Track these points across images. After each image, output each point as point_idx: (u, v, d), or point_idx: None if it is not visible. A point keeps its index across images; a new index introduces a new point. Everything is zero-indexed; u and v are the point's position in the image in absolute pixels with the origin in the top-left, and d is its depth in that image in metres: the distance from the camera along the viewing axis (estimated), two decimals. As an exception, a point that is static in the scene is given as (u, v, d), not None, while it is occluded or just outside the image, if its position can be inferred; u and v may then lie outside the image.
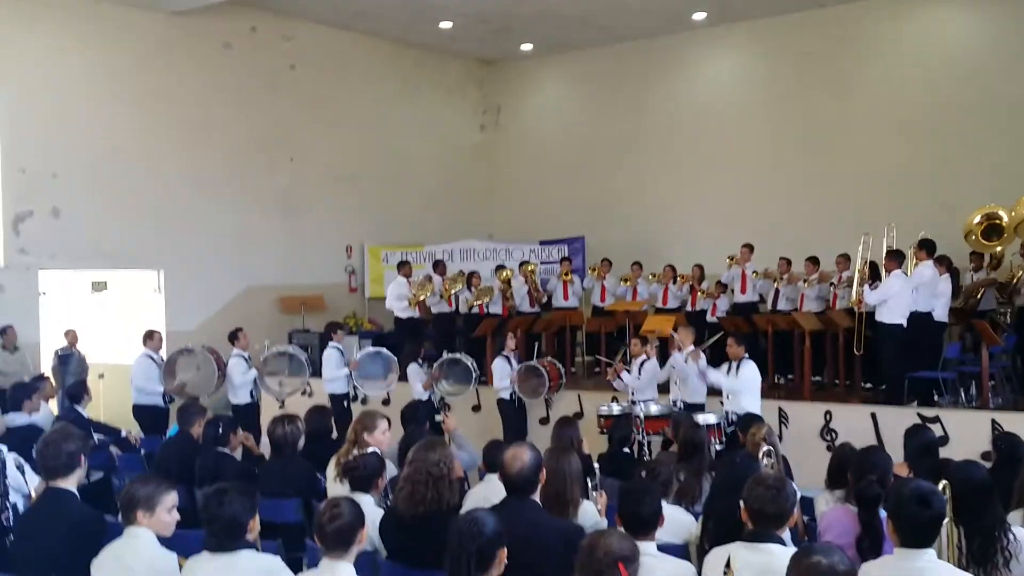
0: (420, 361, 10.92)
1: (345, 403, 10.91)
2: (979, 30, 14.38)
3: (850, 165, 14.88)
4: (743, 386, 8.79)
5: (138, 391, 10.47)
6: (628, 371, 9.86)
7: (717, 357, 9.74)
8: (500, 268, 14.31)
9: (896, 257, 10.25)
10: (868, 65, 15.05)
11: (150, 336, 10.95)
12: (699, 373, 9.27)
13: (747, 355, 9.03)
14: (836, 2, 14.94)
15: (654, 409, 9.41)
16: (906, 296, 10.09)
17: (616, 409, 9.72)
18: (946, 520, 3.80)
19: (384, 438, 6.17)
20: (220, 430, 6.64)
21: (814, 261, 12.45)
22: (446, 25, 16.22)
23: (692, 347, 9.44)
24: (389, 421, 6.48)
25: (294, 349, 11.42)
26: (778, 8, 15.26)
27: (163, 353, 10.92)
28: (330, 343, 11.29)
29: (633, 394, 9.76)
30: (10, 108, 12.49)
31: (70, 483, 4.45)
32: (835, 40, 15.20)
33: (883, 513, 4.02)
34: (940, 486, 3.92)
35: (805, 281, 12.31)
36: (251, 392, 10.71)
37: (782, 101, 15.76)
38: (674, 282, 13.65)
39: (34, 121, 12.67)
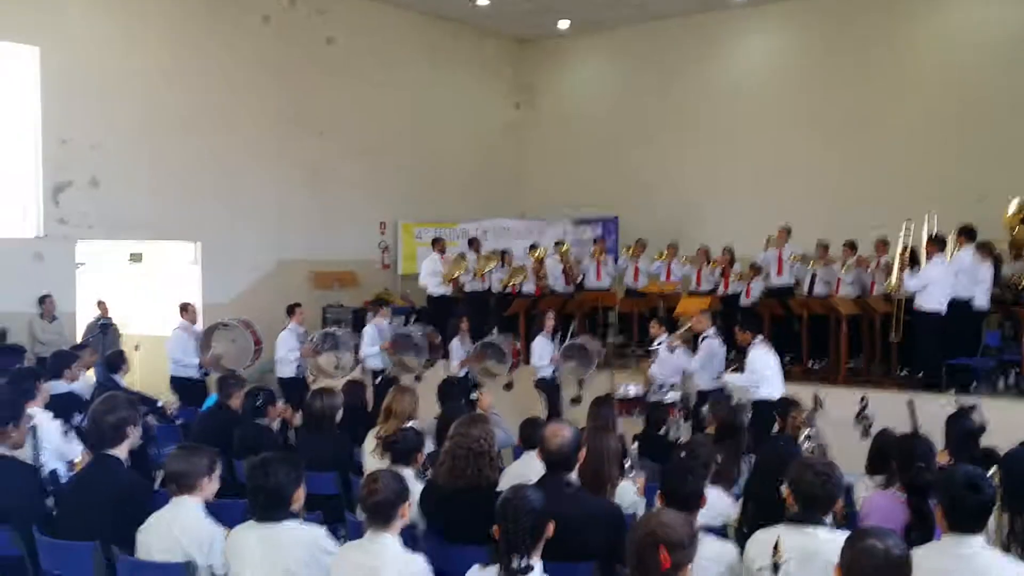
0: (462, 337, 10.97)
1: (379, 379, 10.94)
2: (1017, 16, 14.11)
3: (890, 149, 14.71)
4: (751, 376, 8.62)
5: (175, 363, 10.59)
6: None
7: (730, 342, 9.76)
8: (533, 247, 14.27)
9: (937, 243, 10.12)
10: (907, 49, 14.86)
11: (185, 309, 11.06)
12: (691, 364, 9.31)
13: (757, 339, 8.74)
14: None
15: (669, 396, 9.38)
16: (947, 282, 9.98)
17: (632, 392, 9.69)
18: (995, 506, 3.75)
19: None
20: (259, 402, 6.68)
21: (852, 246, 12.32)
22: (483, 2, 16.14)
23: (666, 336, 9.51)
24: (415, 396, 6.55)
25: (339, 329, 11.46)
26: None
27: (199, 326, 10.98)
28: (373, 320, 11.32)
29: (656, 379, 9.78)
30: (51, 78, 12.58)
31: (119, 452, 4.48)
32: (873, 24, 15.02)
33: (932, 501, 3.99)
34: (989, 472, 3.87)
35: (843, 265, 12.18)
36: (297, 367, 10.76)
37: (821, 83, 15.57)
38: (707, 264, 13.55)
39: (74, 92, 12.74)
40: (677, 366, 9.52)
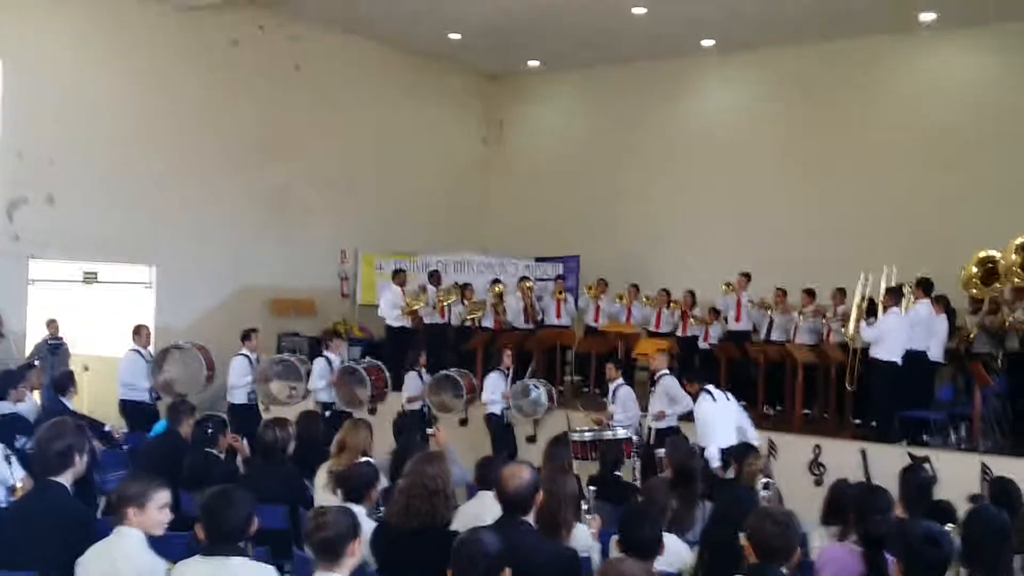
0: (420, 370, 10.86)
1: (328, 412, 10.74)
2: (984, 68, 14.45)
3: (852, 198, 14.92)
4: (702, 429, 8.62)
5: (125, 386, 10.39)
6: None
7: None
8: (495, 282, 14.25)
9: (894, 294, 10.24)
10: (873, 100, 15.11)
11: (138, 331, 10.87)
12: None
13: (703, 390, 8.80)
14: (843, 36, 14.99)
15: (621, 433, 9.36)
16: (902, 334, 10.08)
17: (588, 435, 9.66)
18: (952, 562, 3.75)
19: None
20: (209, 430, 6.54)
21: (810, 293, 12.47)
22: (455, 36, 16.22)
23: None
24: (370, 429, 6.45)
25: (295, 357, 11.29)
26: (786, 39, 15.32)
27: (151, 349, 10.79)
28: (325, 351, 11.19)
29: (612, 418, 9.79)
30: (12, 92, 12.37)
31: (64, 479, 4.33)
32: (841, 74, 15.27)
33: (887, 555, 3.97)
34: (946, 526, 3.87)
35: (800, 313, 12.29)
36: (248, 394, 10.59)
37: (786, 131, 15.79)
38: (668, 306, 13.61)
39: (34, 106, 12.54)
40: (637, 413, 9.53)
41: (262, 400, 10.69)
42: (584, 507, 5.35)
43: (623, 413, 9.86)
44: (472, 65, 18.34)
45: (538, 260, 16.58)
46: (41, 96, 12.61)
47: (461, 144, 18.85)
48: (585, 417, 10.22)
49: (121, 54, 13.47)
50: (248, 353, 10.77)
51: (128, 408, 10.35)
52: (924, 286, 10.48)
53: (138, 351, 10.63)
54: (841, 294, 12.06)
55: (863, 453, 9.78)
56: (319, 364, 10.94)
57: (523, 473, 4.23)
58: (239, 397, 10.60)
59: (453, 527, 4.61)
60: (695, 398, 8.75)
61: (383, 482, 5.56)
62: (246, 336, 10.94)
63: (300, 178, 15.73)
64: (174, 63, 14.00)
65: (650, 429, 9.60)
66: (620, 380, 10.07)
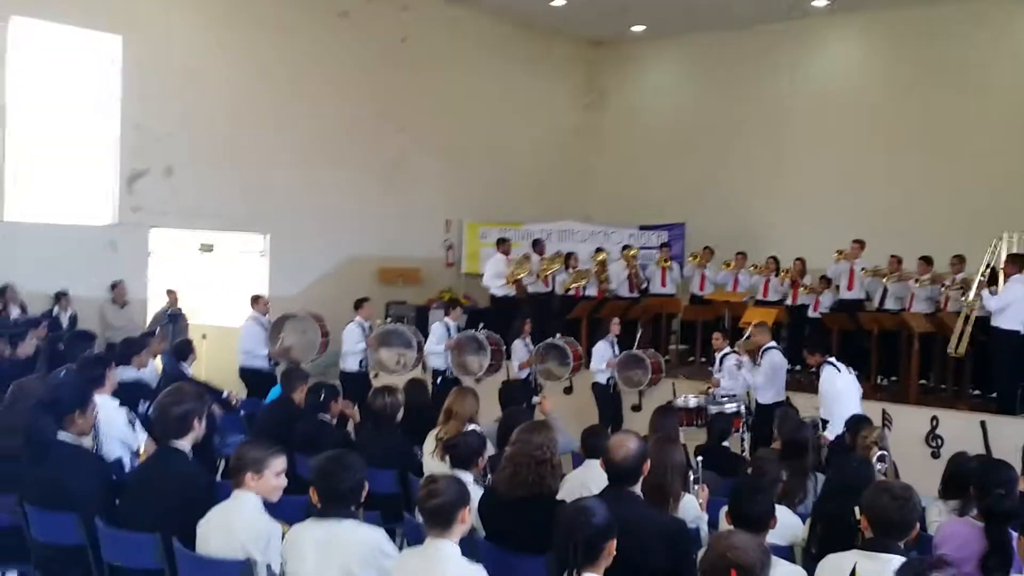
0: (525, 338, 10.88)
1: (440, 379, 10.89)
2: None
3: (969, 164, 14.34)
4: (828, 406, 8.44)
5: (245, 354, 10.65)
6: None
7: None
8: (599, 250, 14.16)
9: (1016, 261, 9.81)
10: (990, 63, 14.51)
11: (257, 300, 11.11)
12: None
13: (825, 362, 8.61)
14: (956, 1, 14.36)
15: (729, 407, 9.21)
16: (1026, 303, 9.65)
17: (692, 403, 9.54)
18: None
19: None
20: (322, 397, 6.69)
21: (927, 260, 11.99)
22: (558, 3, 16.08)
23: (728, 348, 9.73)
24: (476, 398, 6.51)
25: (406, 327, 11.42)
26: (901, 1, 14.72)
27: (269, 317, 11.04)
28: (445, 318, 11.31)
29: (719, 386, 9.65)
30: (131, 67, 12.80)
31: (184, 443, 4.49)
32: (957, 36, 14.67)
33: (1012, 531, 3.82)
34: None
35: (917, 280, 11.85)
36: (360, 361, 10.77)
37: (900, 94, 15.24)
38: (776, 275, 13.31)
39: (153, 81, 12.94)
40: (745, 382, 9.34)
41: (374, 367, 10.85)
42: (692, 478, 5.29)
43: (730, 380, 9.71)
44: (576, 32, 18.18)
45: (643, 228, 16.44)
46: (158, 71, 13.00)
47: (565, 112, 18.75)
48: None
49: (234, 28, 13.80)
50: (361, 321, 10.95)
51: (247, 375, 10.62)
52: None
53: (256, 319, 10.87)
54: (960, 261, 11.59)
55: (983, 425, 9.42)
56: (438, 329, 11.04)
57: (630, 443, 4.19)
58: (351, 364, 10.76)
59: (560, 496, 4.62)
60: (818, 371, 8.52)
61: (490, 450, 5.61)
62: (359, 304, 11.06)
63: (407, 148, 15.90)
64: (284, 35, 14.27)
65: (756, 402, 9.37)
66: (728, 348, 9.91)
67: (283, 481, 4.20)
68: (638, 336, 11.18)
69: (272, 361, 10.67)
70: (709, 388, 9.80)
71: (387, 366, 10.89)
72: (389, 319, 12.13)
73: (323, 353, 10.92)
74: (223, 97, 13.64)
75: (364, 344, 10.74)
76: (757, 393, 9.27)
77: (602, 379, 10.64)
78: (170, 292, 13.15)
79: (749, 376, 9.19)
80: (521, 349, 10.96)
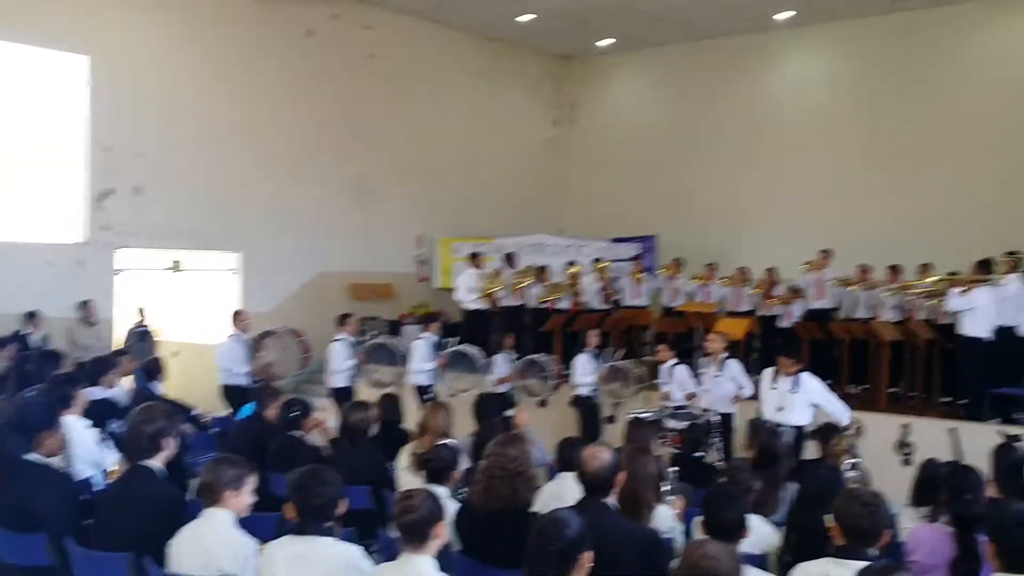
0: (506, 351, 10.87)
1: (425, 395, 10.77)
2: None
3: (935, 172, 14.51)
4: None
5: (224, 371, 10.53)
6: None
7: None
8: (571, 264, 14.21)
9: (983, 267, 9.93)
10: (955, 72, 14.70)
11: (237, 316, 10.96)
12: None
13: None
14: (923, 6, 14.57)
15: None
16: (991, 308, 9.77)
17: (646, 415, 9.57)
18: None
19: None
20: (294, 413, 6.66)
21: (895, 269, 12.15)
22: (525, 18, 16.18)
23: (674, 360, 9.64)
24: (449, 412, 6.50)
25: (389, 340, 11.38)
26: (865, 10, 14.94)
27: (249, 335, 10.94)
28: (423, 334, 11.25)
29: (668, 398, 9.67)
30: (99, 87, 12.74)
31: (155, 462, 4.46)
32: (922, 45, 14.88)
33: (980, 536, 3.86)
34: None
35: (888, 290, 11.97)
36: (350, 377, 10.74)
37: (866, 105, 15.42)
38: (747, 286, 13.41)
39: (121, 101, 12.91)
40: (727, 391, 9.31)
41: (368, 384, 10.79)
42: (665, 488, 5.31)
43: (681, 391, 9.72)
44: (544, 47, 18.29)
45: (615, 241, 16.50)
46: (126, 91, 12.96)
47: (535, 126, 18.85)
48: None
49: (200, 48, 13.78)
50: (347, 337, 10.89)
51: (229, 392, 10.51)
52: (1014, 261, 10.14)
53: (236, 336, 10.75)
54: (926, 269, 11.74)
55: (953, 432, 9.51)
56: (420, 347, 10.94)
57: (603, 454, 4.22)
58: (341, 381, 10.73)
59: (534, 508, 4.63)
60: (797, 376, 8.51)
61: (466, 463, 5.60)
62: (342, 321, 11.02)
63: (377, 165, 15.92)
64: (252, 55, 14.28)
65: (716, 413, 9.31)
66: (675, 360, 9.91)
67: (253, 497, 4.19)
68: (614, 352, 11.20)
69: (254, 378, 10.58)
70: (659, 400, 9.82)
71: (382, 382, 10.86)
72: (370, 335, 12.08)
73: (305, 369, 10.86)
74: (192, 116, 13.60)
75: (353, 361, 10.68)
76: (717, 403, 9.22)
77: (585, 391, 10.62)
78: (140, 309, 13.06)
79: (731, 386, 9.16)
80: (503, 363, 10.94)
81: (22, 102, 12.39)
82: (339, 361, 10.73)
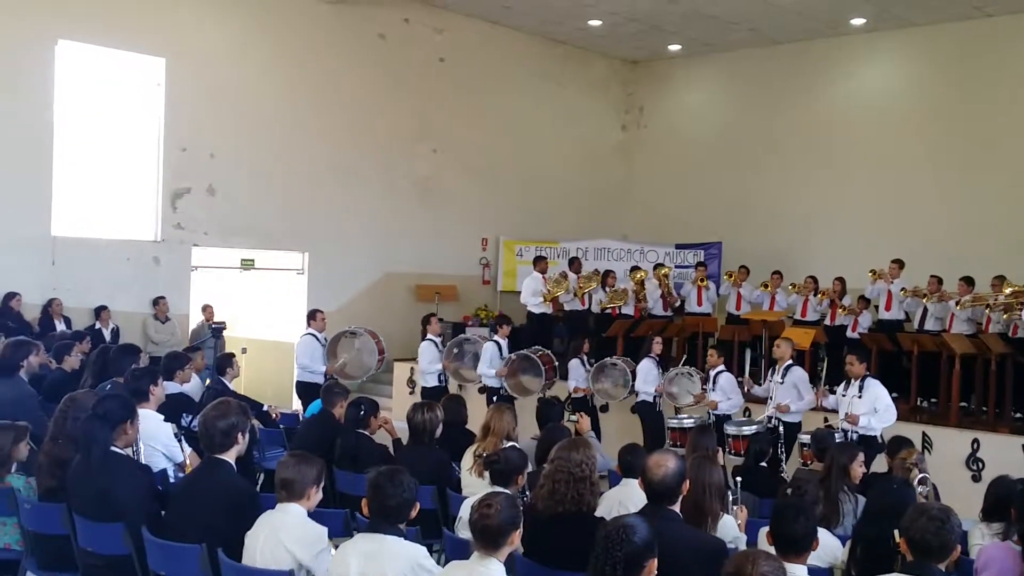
0: (581, 357, 10.87)
1: (496, 397, 10.72)
2: None
3: (1012, 182, 14.15)
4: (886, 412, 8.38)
5: (301, 368, 10.71)
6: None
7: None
8: (635, 269, 14.16)
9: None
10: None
11: (314, 315, 11.06)
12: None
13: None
14: (1002, 11, 14.22)
15: (747, 429, 9.12)
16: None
17: (688, 423, 9.53)
18: None
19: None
20: (361, 412, 6.75)
21: (968, 281, 11.87)
22: (595, 23, 16.19)
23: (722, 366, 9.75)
24: (514, 414, 6.54)
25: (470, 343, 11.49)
26: (941, 15, 14.65)
27: (326, 334, 11.09)
28: (494, 336, 11.29)
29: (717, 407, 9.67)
30: (174, 89, 13.07)
31: (228, 456, 4.57)
32: (1000, 50, 14.52)
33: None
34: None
35: (958, 303, 11.71)
36: (439, 376, 10.86)
37: (940, 112, 15.12)
38: (815, 295, 13.22)
39: (196, 102, 13.23)
40: (789, 399, 9.21)
41: (457, 383, 10.97)
42: (730, 498, 5.28)
43: (726, 401, 9.68)
44: (612, 52, 18.27)
45: (679, 247, 16.42)
46: (200, 93, 13.28)
47: (602, 130, 18.83)
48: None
49: (272, 50, 14.05)
50: (433, 338, 10.99)
51: (304, 389, 10.65)
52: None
53: (313, 335, 10.85)
54: (1001, 282, 11.45)
55: (1025, 449, 9.32)
56: (490, 350, 10.98)
57: (669, 462, 4.21)
58: (430, 380, 10.85)
59: (598, 513, 4.64)
60: (863, 380, 8.44)
61: (528, 467, 5.63)
62: (427, 321, 11.12)
63: (443, 167, 16.06)
64: (324, 57, 14.52)
65: (778, 422, 9.23)
66: (721, 367, 9.85)
67: (320, 494, 4.34)
68: (683, 359, 11.13)
69: (329, 377, 10.69)
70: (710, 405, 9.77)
71: (469, 378, 11.12)
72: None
73: (379, 369, 10.99)
74: (263, 117, 13.87)
75: (440, 361, 10.84)
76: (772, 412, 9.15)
77: (648, 397, 10.57)
78: (205, 307, 13.35)
79: (794, 394, 9.07)
80: (578, 368, 10.92)
81: (101, 103, 12.75)
82: (427, 362, 10.86)
